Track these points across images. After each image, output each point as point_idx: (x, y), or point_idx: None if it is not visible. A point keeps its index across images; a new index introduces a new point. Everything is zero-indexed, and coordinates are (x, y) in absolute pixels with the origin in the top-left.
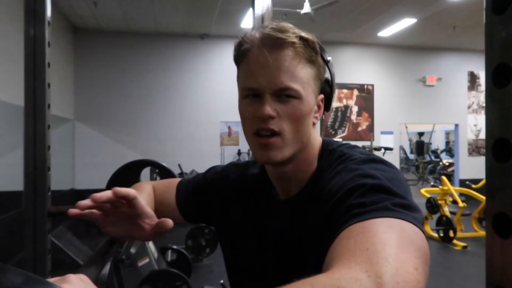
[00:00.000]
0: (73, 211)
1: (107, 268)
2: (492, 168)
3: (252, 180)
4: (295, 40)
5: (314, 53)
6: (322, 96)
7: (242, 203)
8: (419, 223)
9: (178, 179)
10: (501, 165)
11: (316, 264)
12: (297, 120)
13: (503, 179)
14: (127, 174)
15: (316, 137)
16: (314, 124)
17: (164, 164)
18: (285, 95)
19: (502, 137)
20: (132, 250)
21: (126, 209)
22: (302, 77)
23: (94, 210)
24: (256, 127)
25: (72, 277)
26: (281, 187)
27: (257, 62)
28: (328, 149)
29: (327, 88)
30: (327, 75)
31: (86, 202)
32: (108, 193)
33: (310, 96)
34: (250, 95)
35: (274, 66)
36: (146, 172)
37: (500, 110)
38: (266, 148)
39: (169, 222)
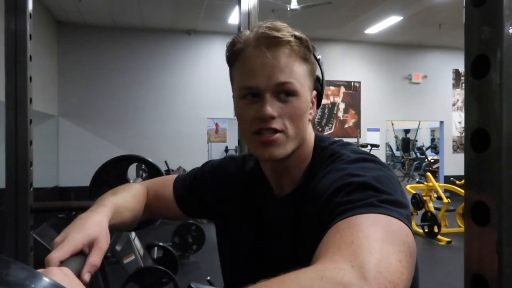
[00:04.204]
0: None
1: None
2: (471, 158)
3: (249, 174)
4: (291, 38)
5: (308, 51)
6: (315, 93)
7: (240, 197)
8: (405, 219)
9: (174, 176)
10: (479, 155)
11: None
12: (297, 117)
13: (481, 168)
14: (112, 170)
15: (311, 133)
16: (309, 120)
17: (150, 159)
18: (285, 93)
19: (480, 127)
20: (118, 247)
21: None
22: (299, 73)
23: None
24: (258, 127)
25: (55, 269)
26: (275, 182)
27: (255, 60)
28: (320, 146)
29: (318, 86)
30: (318, 73)
31: None
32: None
33: (307, 93)
34: (249, 95)
35: (272, 64)
36: (132, 169)
37: (478, 101)
38: (269, 145)
39: (85, 279)
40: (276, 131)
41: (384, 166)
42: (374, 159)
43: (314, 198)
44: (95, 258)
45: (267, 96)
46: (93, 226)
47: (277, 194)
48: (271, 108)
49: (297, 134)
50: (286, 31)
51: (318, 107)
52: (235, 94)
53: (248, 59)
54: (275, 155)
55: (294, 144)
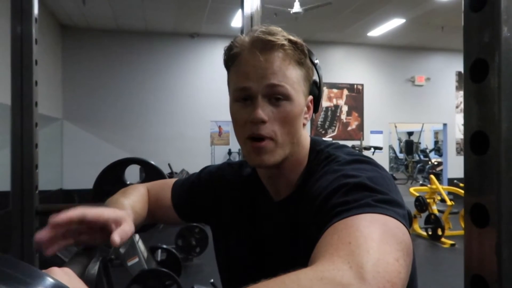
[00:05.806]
0: (50, 251)
1: (96, 268)
2: (470, 160)
3: (245, 180)
4: (285, 42)
5: (302, 56)
6: (311, 97)
7: (236, 203)
8: (402, 218)
9: (173, 180)
10: (478, 157)
11: (307, 264)
12: (288, 122)
13: (480, 171)
14: (115, 173)
15: (306, 137)
16: (304, 125)
17: (152, 162)
18: (276, 96)
19: (479, 130)
20: (122, 250)
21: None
22: (292, 78)
23: (66, 241)
24: (249, 131)
25: (56, 269)
26: (272, 187)
27: (248, 63)
28: (316, 150)
29: (315, 90)
30: (316, 77)
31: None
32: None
33: (300, 97)
34: (241, 99)
35: (265, 66)
36: (135, 171)
37: (477, 104)
38: (259, 152)
39: (115, 240)
40: (264, 138)
41: (378, 167)
42: (368, 161)
43: (310, 200)
44: (126, 225)
45: (259, 99)
46: (123, 212)
47: (275, 199)
48: (263, 111)
49: (288, 141)
50: (281, 35)
51: (316, 111)
52: (230, 96)
53: (243, 63)
54: (265, 162)
55: (284, 150)
